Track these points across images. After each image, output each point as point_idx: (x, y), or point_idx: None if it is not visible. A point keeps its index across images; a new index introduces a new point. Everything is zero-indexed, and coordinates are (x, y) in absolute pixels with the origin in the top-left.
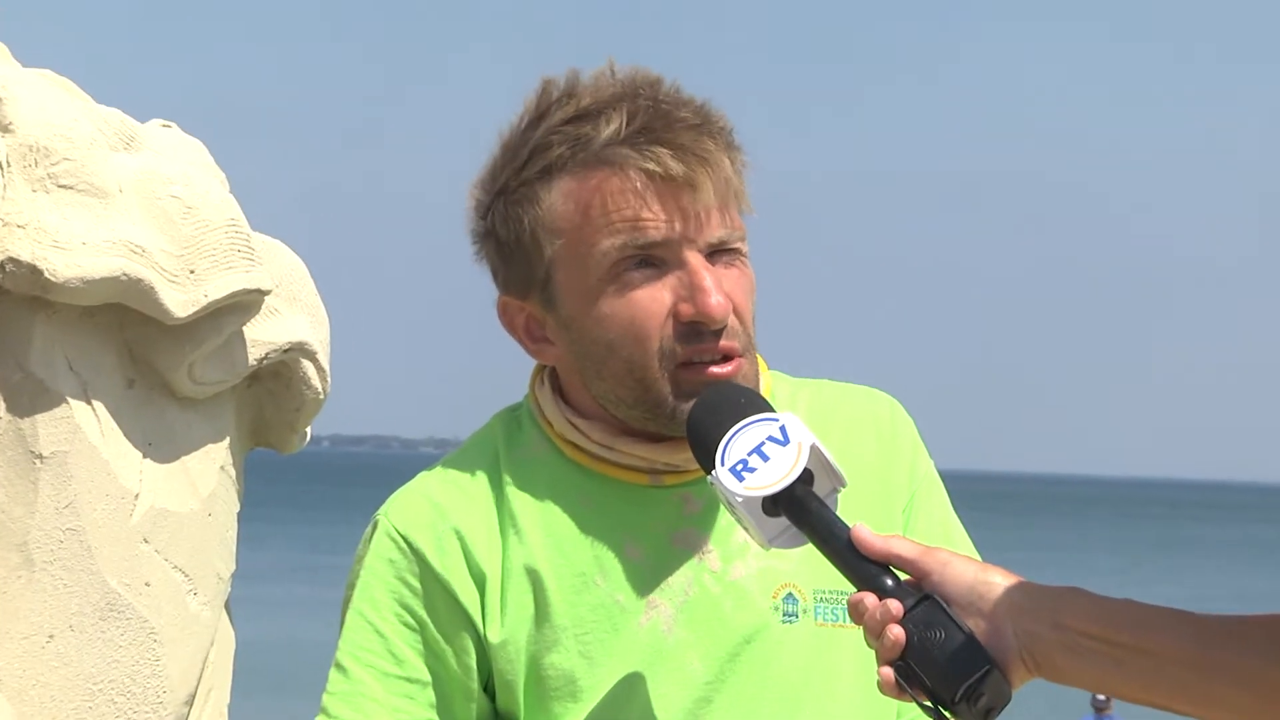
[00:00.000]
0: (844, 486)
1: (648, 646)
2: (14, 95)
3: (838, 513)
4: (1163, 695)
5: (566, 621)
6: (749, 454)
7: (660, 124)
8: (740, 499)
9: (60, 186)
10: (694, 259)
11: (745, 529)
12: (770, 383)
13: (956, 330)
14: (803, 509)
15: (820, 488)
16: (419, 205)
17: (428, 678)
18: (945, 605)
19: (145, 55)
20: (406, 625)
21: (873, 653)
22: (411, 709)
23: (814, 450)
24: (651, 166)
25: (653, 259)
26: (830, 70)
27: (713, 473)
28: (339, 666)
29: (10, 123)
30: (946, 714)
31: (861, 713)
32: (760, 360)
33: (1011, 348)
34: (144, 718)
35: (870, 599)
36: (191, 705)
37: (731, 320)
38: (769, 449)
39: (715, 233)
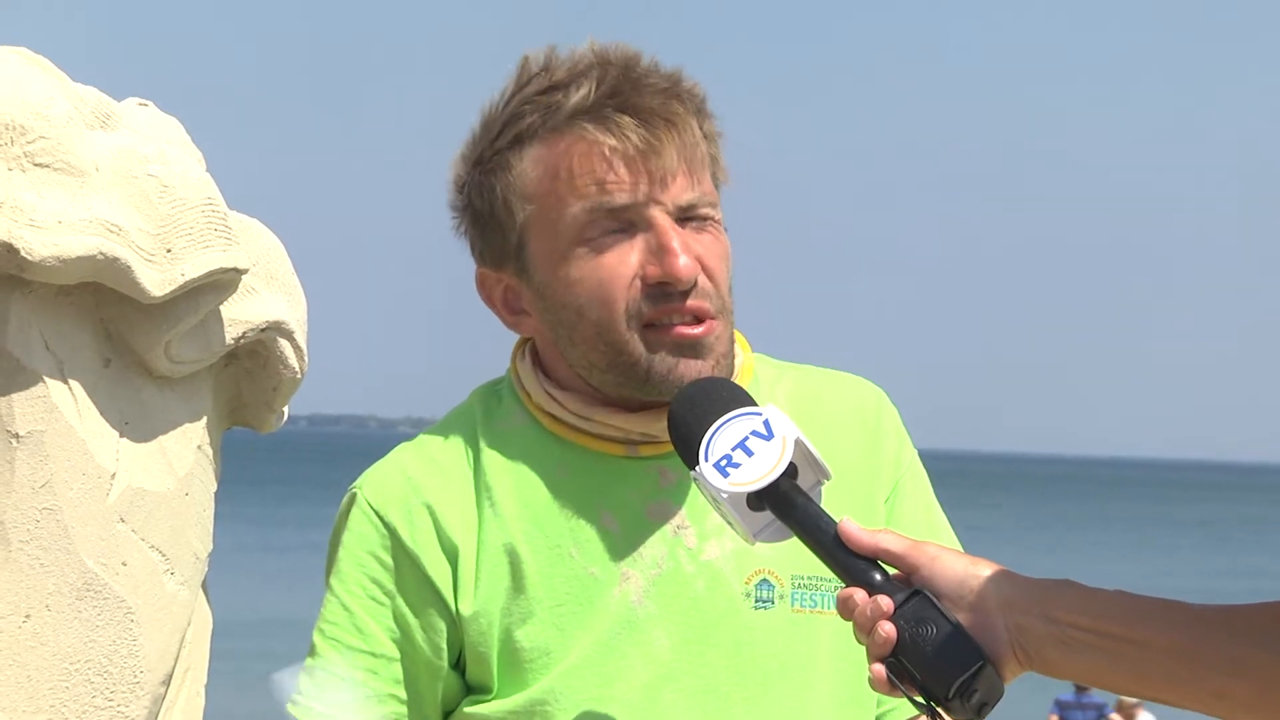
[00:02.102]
0: (829, 479)
1: (617, 617)
2: None
3: (823, 505)
4: (1155, 686)
5: (541, 593)
6: (733, 449)
7: (629, 88)
8: (725, 495)
9: (36, 165)
10: (661, 220)
11: (730, 524)
12: (753, 365)
13: (958, 312)
14: (788, 504)
15: (804, 480)
16: (396, 184)
17: (394, 653)
18: (935, 600)
19: (118, 33)
20: (374, 600)
21: (850, 640)
22: (373, 683)
23: (798, 444)
24: (615, 130)
25: (621, 222)
26: (824, 49)
27: (696, 469)
28: (311, 645)
29: None
30: (939, 710)
31: (840, 699)
32: (744, 342)
33: (1012, 330)
34: (121, 697)
35: (859, 594)
36: (169, 684)
37: (702, 281)
38: (753, 444)
39: (683, 195)
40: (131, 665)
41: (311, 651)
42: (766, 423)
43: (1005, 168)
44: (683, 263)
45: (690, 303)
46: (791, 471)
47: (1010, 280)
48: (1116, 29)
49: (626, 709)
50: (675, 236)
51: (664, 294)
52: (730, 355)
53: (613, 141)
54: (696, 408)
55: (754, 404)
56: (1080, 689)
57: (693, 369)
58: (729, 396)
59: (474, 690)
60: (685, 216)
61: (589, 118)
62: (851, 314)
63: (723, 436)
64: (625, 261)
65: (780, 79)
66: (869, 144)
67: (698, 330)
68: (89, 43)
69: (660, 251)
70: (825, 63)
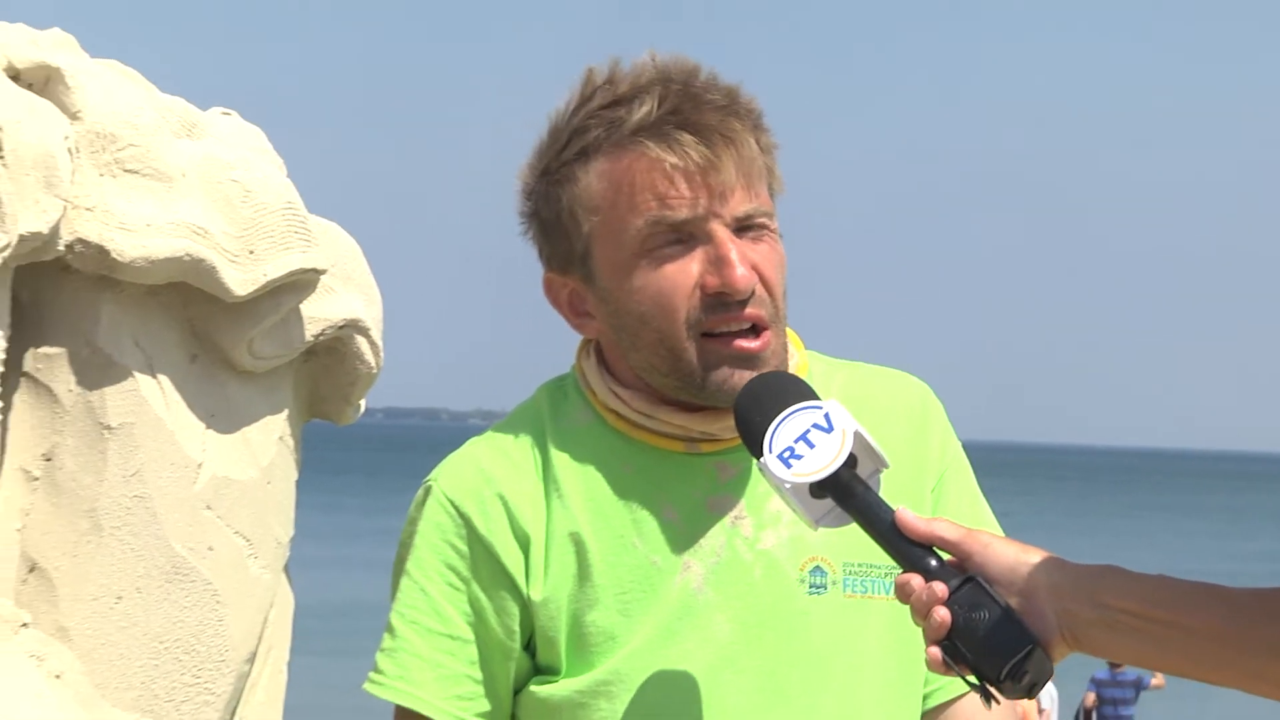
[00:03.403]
0: (887, 468)
1: (679, 604)
2: (82, 84)
3: (879, 493)
4: (1200, 668)
5: (606, 581)
6: (795, 441)
7: (689, 106)
8: (788, 485)
9: (126, 171)
10: (720, 233)
11: (794, 510)
12: (806, 362)
13: (989, 306)
14: (848, 493)
15: (863, 469)
16: (468, 189)
17: (469, 635)
18: (988, 586)
19: (205, 47)
20: (451, 585)
21: (899, 623)
22: (451, 664)
23: (857, 436)
24: (677, 148)
25: (681, 234)
26: (855, 61)
27: (761, 460)
28: (389, 626)
29: (78, 110)
30: (992, 690)
31: (889, 679)
32: (797, 340)
33: (1035, 327)
34: (208, 674)
35: (916, 580)
36: (253, 663)
37: (759, 291)
38: (814, 436)
39: (740, 208)
40: (217, 644)
41: (390, 632)
42: (827, 416)
43: (1030, 166)
44: (740, 273)
45: (747, 311)
46: (851, 462)
47: (1040, 277)
48: (1115, 30)
49: (687, 690)
50: (733, 248)
51: (722, 303)
52: (784, 357)
53: (674, 159)
54: (761, 401)
55: (816, 397)
56: (1115, 667)
57: (745, 380)
58: (792, 390)
59: (543, 671)
60: (742, 227)
61: (651, 134)
62: (894, 311)
63: (786, 429)
64: (686, 272)
65: (823, 84)
66: (902, 151)
67: (755, 344)
68: (169, 53)
69: (719, 263)
70: (868, 68)
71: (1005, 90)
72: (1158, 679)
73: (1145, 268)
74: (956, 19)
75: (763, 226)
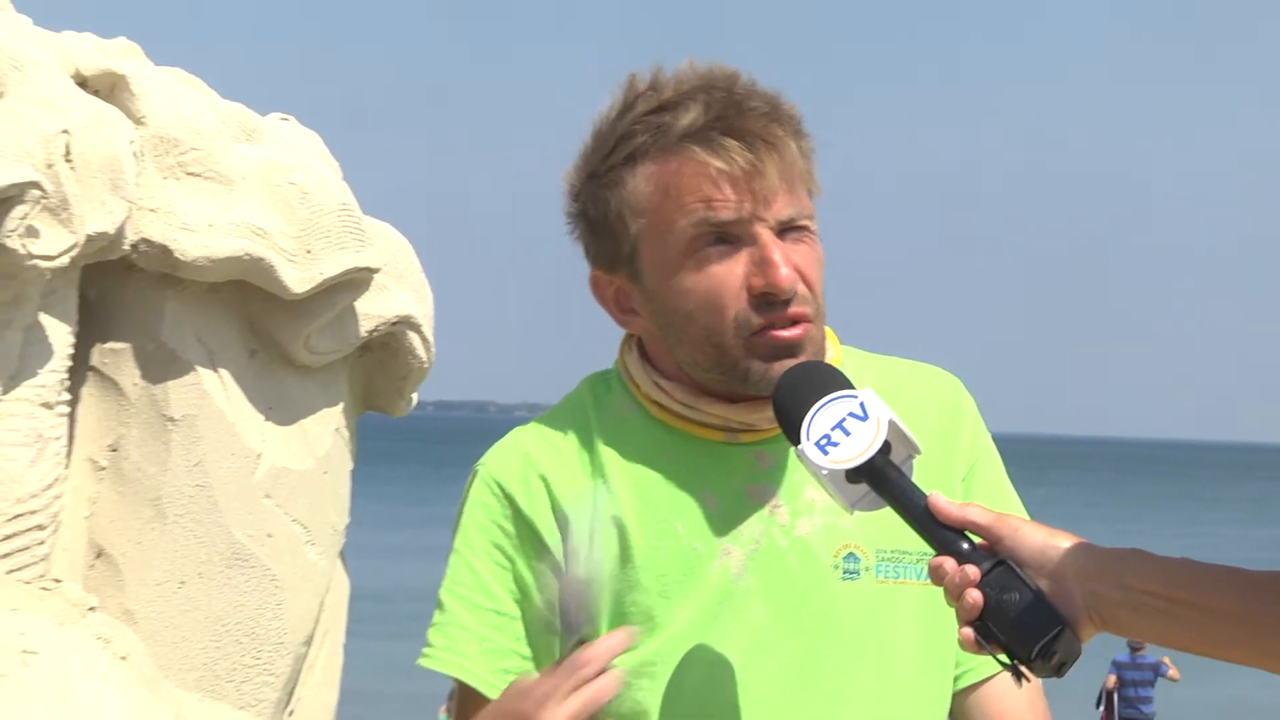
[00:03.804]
0: (920, 454)
1: (718, 589)
2: (146, 91)
3: (913, 478)
4: (1219, 648)
5: (647, 564)
6: (832, 429)
7: (733, 112)
8: (825, 471)
9: (188, 174)
10: (764, 235)
11: (830, 495)
12: (841, 356)
13: (1017, 301)
14: (882, 478)
15: (897, 455)
16: (516, 189)
17: (515, 611)
18: (1018, 569)
19: (264, 53)
20: (497, 563)
21: (930, 607)
22: (497, 638)
23: (891, 424)
24: (722, 153)
25: (727, 236)
26: (884, 65)
27: (799, 447)
28: (440, 602)
29: (143, 116)
30: (1023, 669)
31: (920, 662)
32: (833, 335)
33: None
34: (267, 656)
35: (949, 563)
36: (310, 645)
37: (800, 289)
38: (850, 424)
39: (783, 211)
40: (276, 627)
41: (439, 607)
42: (863, 404)
43: (1063, 162)
44: (784, 273)
45: (791, 310)
46: (885, 448)
47: (1060, 275)
48: (1161, 45)
49: (725, 672)
50: (777, 250)
51: (768, 303)
52: (822, 351)
53: (720, 164)
54: (798, 390)
55: (851, 387)
56: (1135, 650)
57: (787, 367)
58: (828, 379)
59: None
60: (784, 229)
61: (697, 140)
62: (925, 307)
63: (822, 417)
64: (732, 273)
65: (851, 90)
66: (937, 147)
67: (795, 332)
68: (237, 64)
69: (764, 264)
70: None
71: (1050, 87)
72: (1173, 672)
73: (1171, 264)
74: (991, 23)
75: (804, 229)
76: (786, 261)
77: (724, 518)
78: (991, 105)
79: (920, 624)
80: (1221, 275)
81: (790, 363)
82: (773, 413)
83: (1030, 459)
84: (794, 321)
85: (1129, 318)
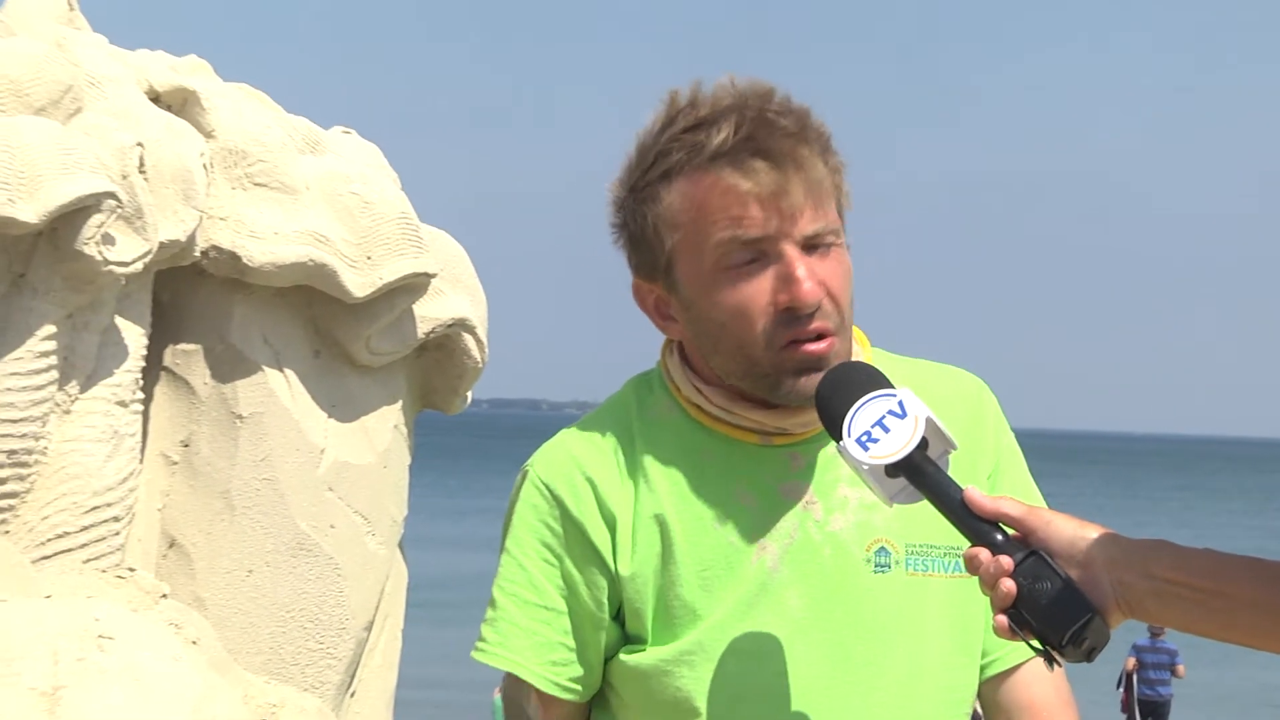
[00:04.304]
0: (955, 449)
1: (755, 581)
2: (216, 106)
3: (949, 473)
4: (1240, 633)
5: (689, 559)
6: (872, 426)
7: (763, 132)
8: (866, 467)
9: (255, 184)
10: (790, 251)
11: (870, 488)
12: (872, 358)
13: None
14: (920, 473)
15: (933, 451)
16: (569, 194)
17: (563, 607)
18: (1049, 559)
19: (329, 69)
20: (546, 561)
21: (957, 598)
22: (546, 633)
23: (928, 421)
24: (750, 173)
25: (755, 252)
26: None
27: (840, 443)
28: (492, 597)
29: (213, 130)
30: (1055, 655)
31: (948, 650)
32: (864, 338)
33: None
34: (330, 640)
35: (984, 554)
36: (371, 630)
37: (825, 303)
38: (889, 421)
39: (808, 227)
40: (339, 614)
41: (491, 604)
42: (901, 403)
43: (1070, 164)
44: (808, 288)
45: (815, 324)
46: (923, 444)
47: (1082, 276)
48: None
49: (763, 659)
50: (802, 265)
51: (794, 317)
52: (849, 358)
53: (747, 184)
54: (839, 389)
55: (890, 386)
56: (1154, 635)
57: (813, 383)
58: (868, 379)
59: (632, 640)
60: (811, 245)
61: (727, 160)
62: (955, 309)
63: (863, 415)
64: (761, 289)
65: (881, 105)
66: (957, 153)
67: (821, 346)
68: (302, 74)
69: (788, 280)
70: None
71: (1090, 85)
72: (1180, 670)
73: (1183, 263)
74: (1011, 35)
75: (830, 244)
76: (811, 276)
77: (759, 515)
78: (987, 108)
79: (948, 614)
80: (1235, 272)
81: (817, 378)
82: (805, 417)
83: (1040, 452)
84: (820, 335)
85: (1139, 314)
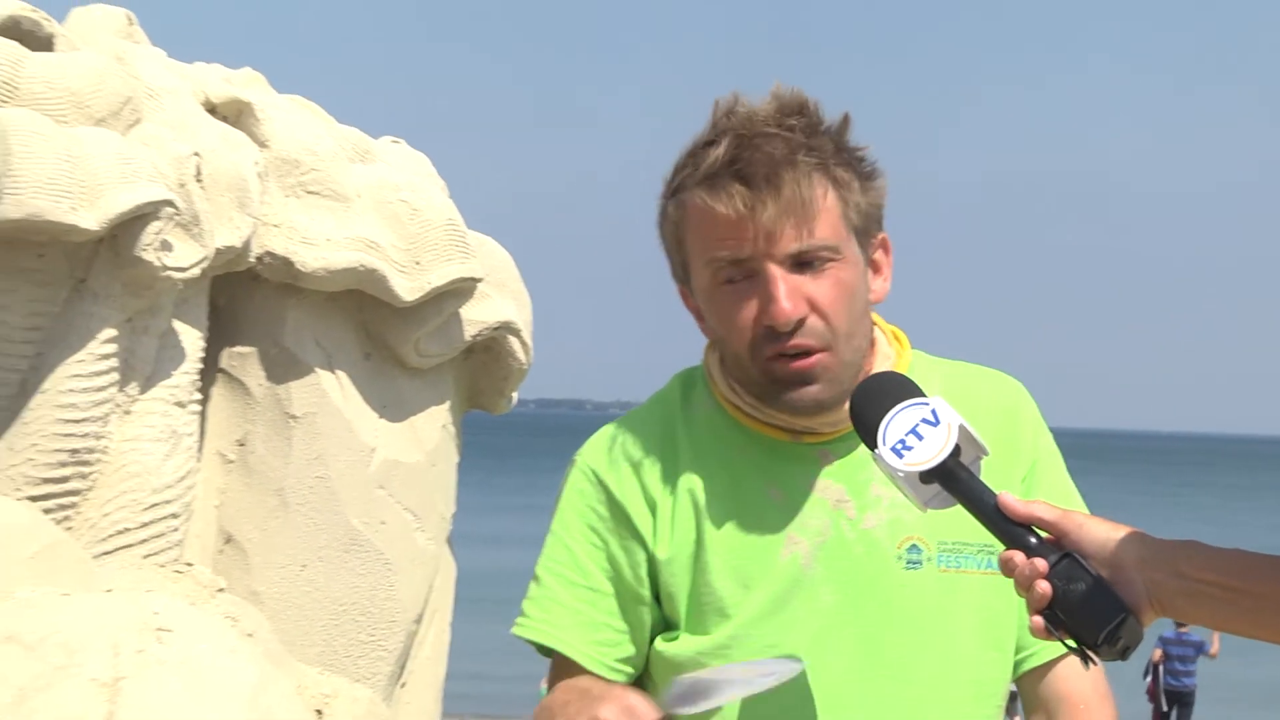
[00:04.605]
0: (987, 455)
1: (788, 576)
2: (270, 117)
3: (981, 477)
4: (1269, 631)
5: (720, 550)
6: (906, 434)
7: (746, 155)
8: (901, 474)
9: (308, 192)
10: (771, 270)
11: (904, 494)
12: (911, 360)
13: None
14: (953, 479)
15: (966, 457)
16: (615, 202)
17: (608, 588)
18: (1083, 560)
19: (378, 79)
20: (591, 543)
21: (989, 595)
22: (590, 611)
23: (961, 429)
24: (724, 198)
25: (744, 270)
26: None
27: (875, 451)
28: (536, 577)
29: (267, 140)
30: (1090, 653)
31: (979, 646)
32: (904, 339)
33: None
34: (381, 633)
35: (1019, 556)
36: (420, 623)
37: (810, 321)
38: (923, 429)
39: (790, 246)
40: (389, 607)
41: (535, 581)
42: (934, 411)
43: (1096, 166)
44: (784, 308)
45: (794, 341)
46: (956, 451)
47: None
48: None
49: (795, 653)
50: (782, 284)
51: (774, 334)
52: (851, 375)
53: (720, 208)
54: (873, 398)
55: (922, 395)
56: (1179, 627)
57: (806, 394)
58: (901, 388)
59: (667, 625)
60: (800, 262)
61: (707, 183)
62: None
63: (897, 423)
64: (747, 305)
65: (900, 109)
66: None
67: (805, 362)
68: (355, 81)
69: (766, 300)
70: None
71: (1121, 85)
72: (1215, 648)
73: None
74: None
75: (824, 260)
76: (791, 296)
77: (790, 510)
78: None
79: (980, 610)
80: (1254, 269)
81: (808, 390)
82: (832, 417)
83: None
84: (805, 352)
85: (1157, 313)
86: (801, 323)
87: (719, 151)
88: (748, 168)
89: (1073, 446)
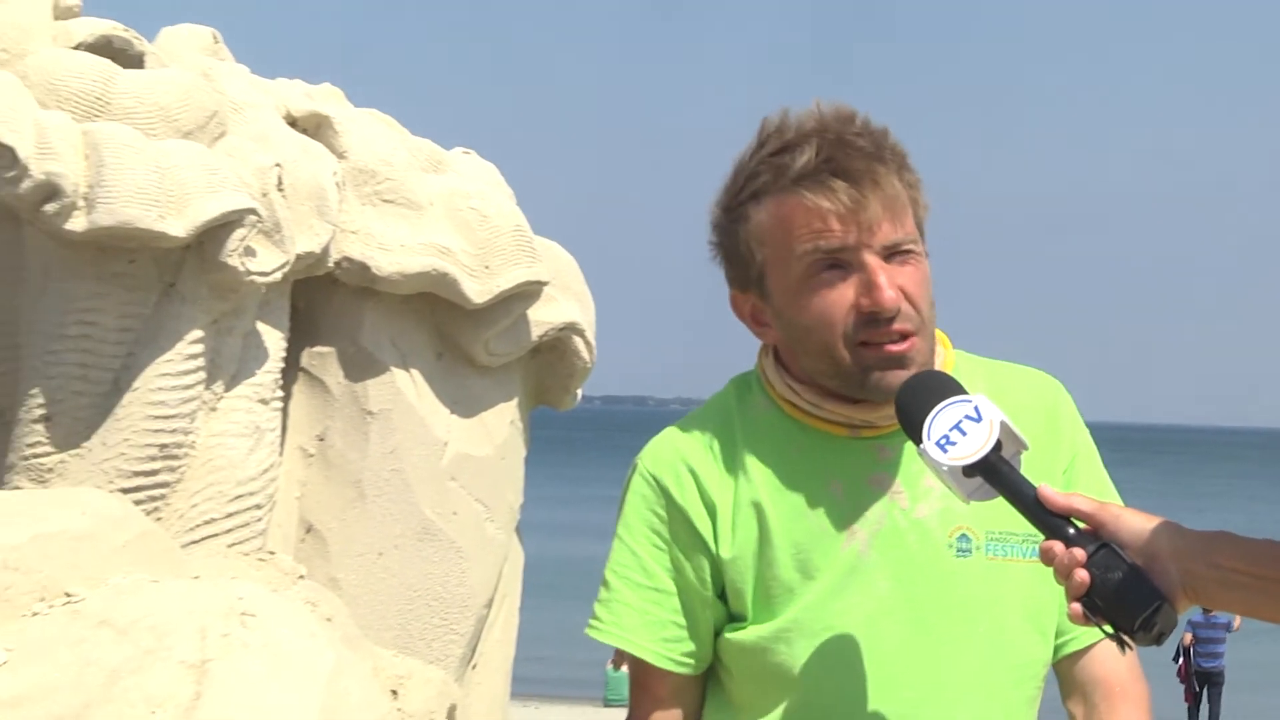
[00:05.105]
0: (1027, 449)
1: (846, 565)
2: (347, 129)
3: (1023, 471)
4: None
5: (785, 543)
6: (950, 430)
7: (841, 154)
8: (945, 468)
9: (384, 201)
10: (870, 261)
11: (948, 488)
12: (954, 359)
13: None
14: (995, 473)
15: (1007, 451)
16: (676, 210)
17: (672, 588)
18: (1119, 550)
19: (447, 95)
20: (655, 546)
21: (1034, 582)
22: (656, 611)
23: (1003, 425)
24: (829, 193)
25: (838, 262)
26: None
27: (920, 446)
28: (604, 580)
29: (345, 151)
30: (1126, 639)
31: (1025, 630)
32: (946, 340)
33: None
34: (454, 617)
35: (1059, 546)
36: (490, 608)
37: (904, 307)
38: (966, 425)
39: (887, 238)
40: (461, 593)
41: (605, 585)
42: (976, 408)
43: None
44: (888, 295)
45: (895, 326)
46: (997, 446)
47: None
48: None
49: (852, 637)
50: (882, 274)
51: (874, 320)
52: (931, 357)
53: (826, 203)
54: (918, 396)
55: (965, 392)
56: (1207, 611)
57: (896, 378)
58: (945, 386)
59: (734, 618)
60: (891, 253)
61: (808, 181)
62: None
63: (941, 419)
64: (844, 295)
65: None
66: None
67: (902, 346)
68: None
69: (870, 287)
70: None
71: (1095, 106)
72: (1237, 622)
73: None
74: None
75: (908, 251)
76: (890, 284)
77: (849, 503)
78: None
79: (1024, 596)
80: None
81: (901, 373)
82: (890, 411)
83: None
84: (902, 336)
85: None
86: (898, 310)
87: (809, 153)
88: (846, 163)
89: (1120, 440)
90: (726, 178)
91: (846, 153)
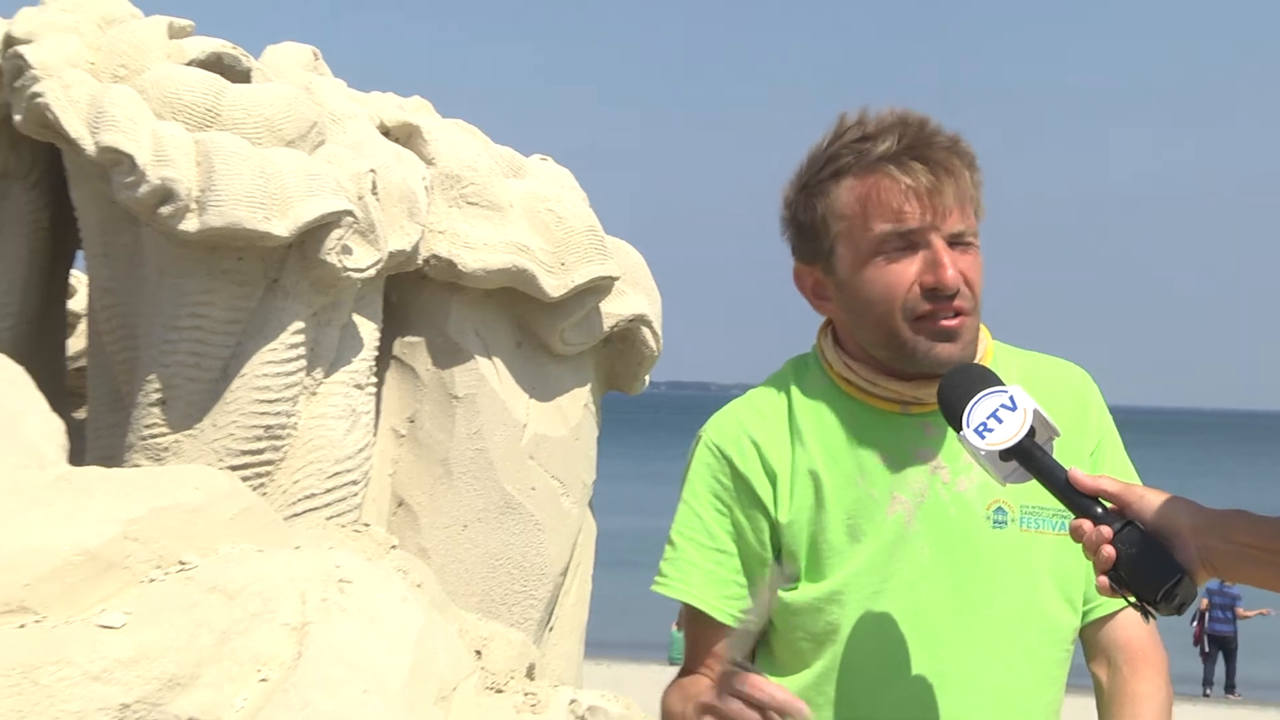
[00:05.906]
0: (1059, 435)
1: (892, 532)
2: (435, 138)
3: (1055, 455)
4: None
5: (837, 509)
6: (987, 418)
7: (921, 144)
8: (983, 452)
9: (468, 203)
10: (938, 242)
11: (985, 470)
12: (993, 349)
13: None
14: (1029, 457)
15: (1040, 437)
16: (740, 209)
17: (733, 549)
18: (1143, 527)
19: (528, 106)
20: (717, 510)
21: (1063, 553)
22: (718, 570)
23: (1035, 413)
24: (911, 173)
25: (908, 241)
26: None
27: (960, 433)
28: (670, 541)
29: (434, 158)
30: (1149, 609)
31: (1054, 597)
32: (986, 332)
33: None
34: (532, 585)
35: (1087, 524)
36: (565, 575)
37: (963, 289)
38: (1002, 414)
39: (955, 225)
40: (539, 562)
41: (670, 544)
42: (1011, 398)
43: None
44: (951, 274)
45: (954, 304)
46: (1031, 433)
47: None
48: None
49: (897, 599)
50: (947, 255)
51: (936, 295)
52: (976, 341)
53: (909, 180)
54: (958, 386)
55: (1002, 384)
56: (1223, 580)
57: (946, 350)
58: (983, 378)
59: (788, 579)
60: (954, 241)
61: (892, 161)
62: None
63: (979, 407)
64: (908, 270)
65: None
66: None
67: (955, 322)
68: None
69: (935, 265)
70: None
71: (1101, 105)
72: (1241, 611)
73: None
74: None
75: (969, 243)
76: (954, 265)
77: (895, 473)
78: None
79: (1054, 566)
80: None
81: (950, 347)
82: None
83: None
84: (956, 313)
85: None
86: (958, 290)
87: (892, 140)
88: (928, 152)
89: (1140, 424)
90: (802, 163)
91: (927, 142)
